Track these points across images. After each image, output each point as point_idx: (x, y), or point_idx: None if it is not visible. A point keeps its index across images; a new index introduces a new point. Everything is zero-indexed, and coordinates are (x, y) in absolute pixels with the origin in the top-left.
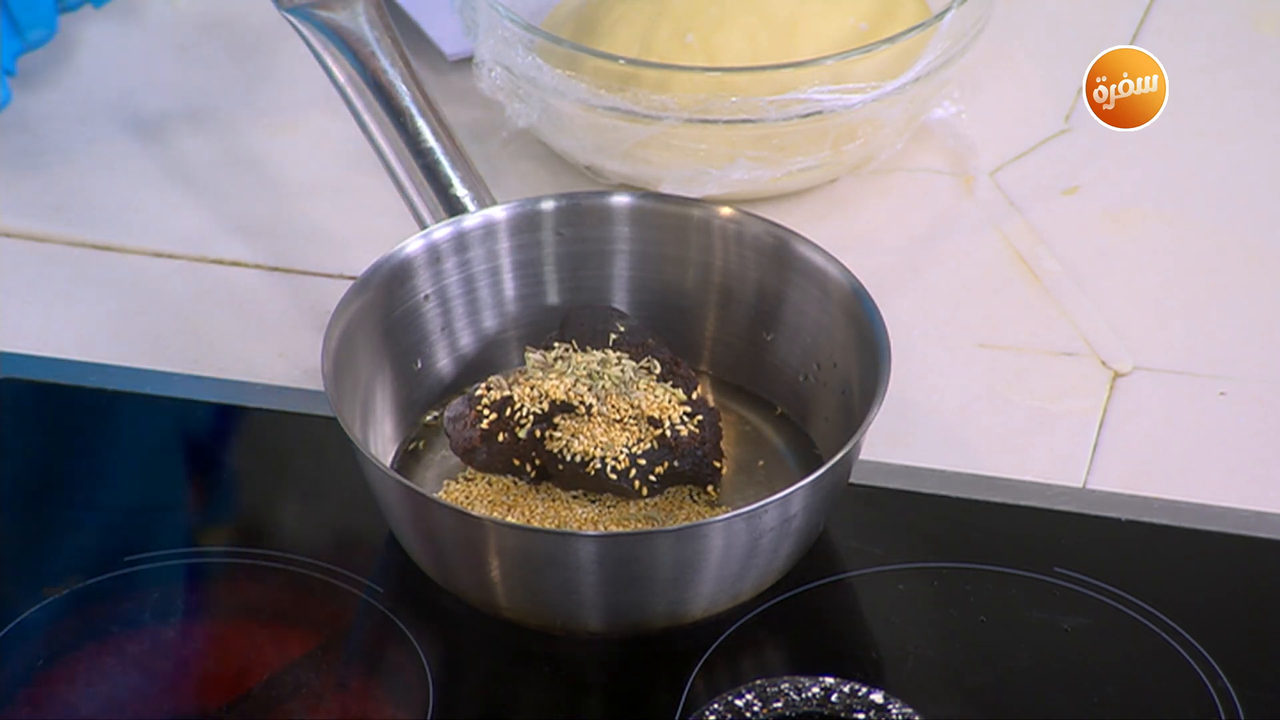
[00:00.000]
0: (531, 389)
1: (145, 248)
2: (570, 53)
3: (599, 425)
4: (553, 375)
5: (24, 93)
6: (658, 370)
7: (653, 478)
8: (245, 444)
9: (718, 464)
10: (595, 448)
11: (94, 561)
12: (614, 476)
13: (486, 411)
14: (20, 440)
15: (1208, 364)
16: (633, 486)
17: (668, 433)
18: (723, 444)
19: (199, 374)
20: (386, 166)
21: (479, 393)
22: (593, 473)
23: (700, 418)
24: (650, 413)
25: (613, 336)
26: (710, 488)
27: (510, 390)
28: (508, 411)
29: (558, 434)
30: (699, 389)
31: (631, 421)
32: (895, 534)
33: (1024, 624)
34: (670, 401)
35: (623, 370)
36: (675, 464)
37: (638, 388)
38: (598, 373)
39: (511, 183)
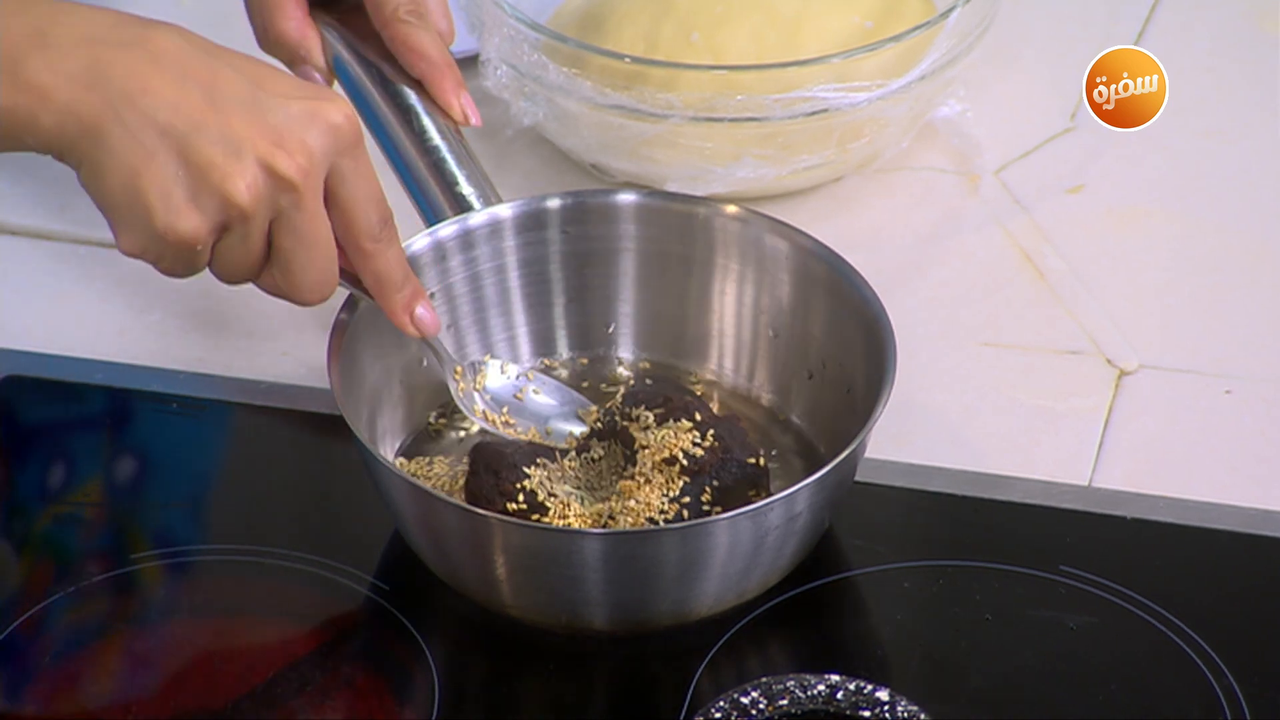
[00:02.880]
0: (559, 502)
1: None
2: (576, 51)
3: (630, 492)
4: (569, 501)
5: None
6: (651, 420)
7: (705, 506)
8: (251, 442)
9: (753, 460)
10: (641, 515)
11: (99, 559)
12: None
13: (520, 501)
14: (25, 437)
15: (1213, 363)
16: None
17: (684, 462)
18: None
19: (204, 372)
20: (392, 164)
21: (503, 482)
22: None
23: (713, 430)
24: (661, 457)
25: (593, 418)
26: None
27: (538, 492)
28: (534, 508)
29: (600, 518)
30: (702, 409)
31: (653, 472)
32: (900, 532)
33: (1029, 622)
34: (675, 436)
35: (609, 455)
36: (716, 483)
37: (646, 440)
38: (595, 482)
39: (517, 181)
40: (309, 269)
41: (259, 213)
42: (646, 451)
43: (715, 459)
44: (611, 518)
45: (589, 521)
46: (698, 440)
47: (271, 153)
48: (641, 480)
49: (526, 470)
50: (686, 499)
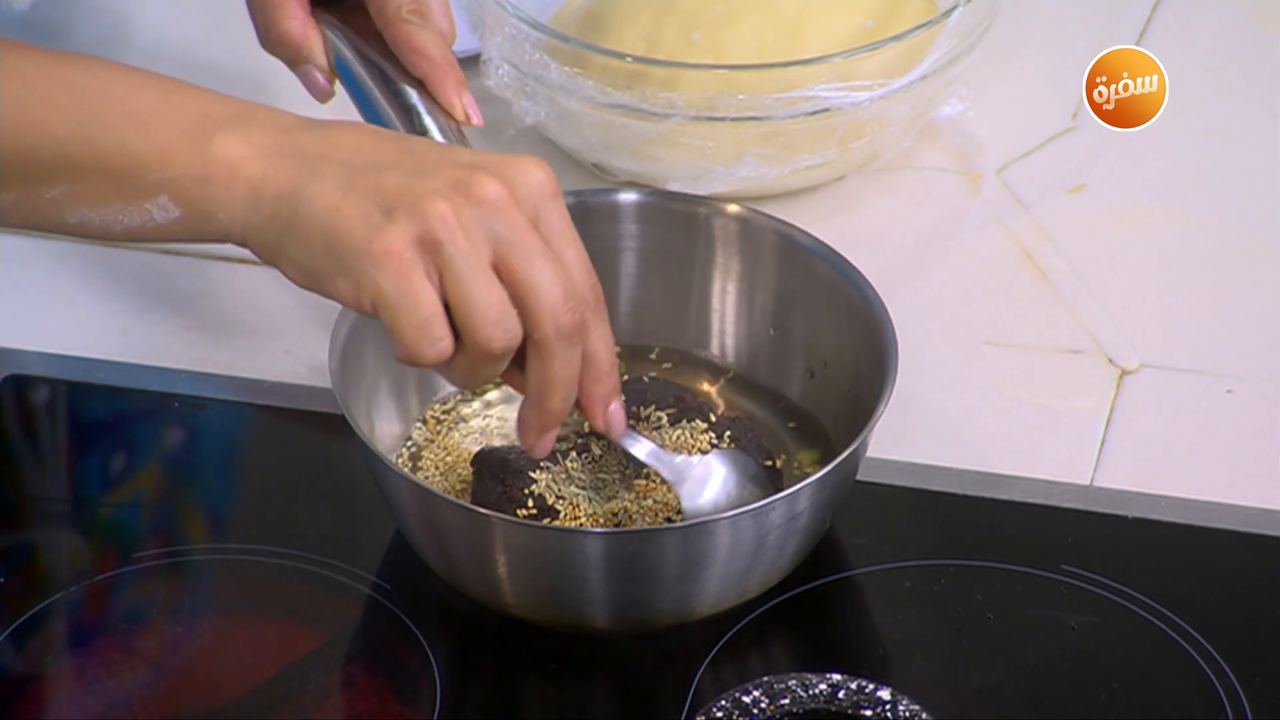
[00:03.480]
0: (568, 504)
1: (152, 245)
2: (578, 50)
3: (646, 491)
4: (578, 502)
5: None
6: (664, 421)
7: None
8: (252, 441)
9: (768, 463)
10: (660, 515)
11: (100, 558)
12: None
13: (530, 507)
14: (28, 437)
15: (1214, 362)
16: None
17: None
18: None
19: (206, 371)
20: None
21: (517, 488)
22: None
23: (729, 432)
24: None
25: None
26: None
27: (546, 495)
28: (544, 512)
29: (615, 517)
30: (716, 410)
31: None
32: (902, 531)
33: (1031, 621)
34: (691, 437)
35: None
36: None
37: (660, 440)
38: (599, 481)
39: None
40: (556, 285)
41: (465, 226)
42: (669, 450)
43: None
44: (629, 517)
45: (601, 521)
46: (714, 441)
47: (467, 180)
48: (658, 480)
49: (532, 475)
50: None
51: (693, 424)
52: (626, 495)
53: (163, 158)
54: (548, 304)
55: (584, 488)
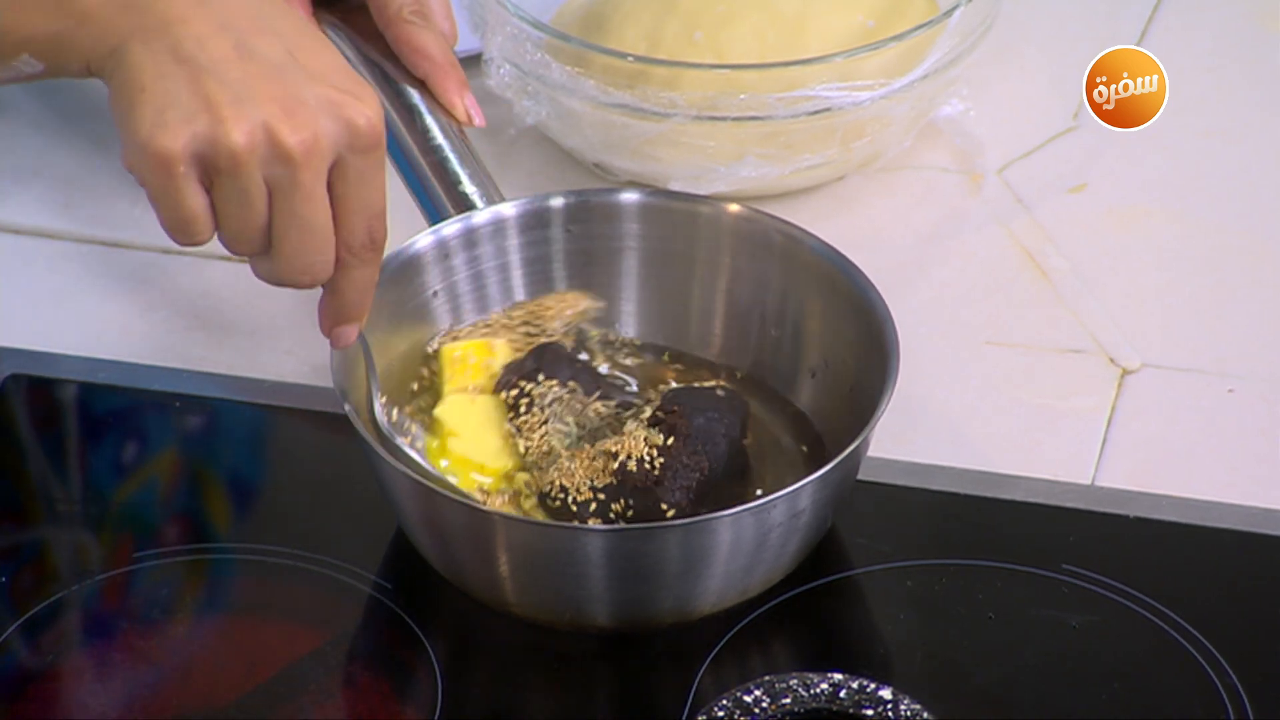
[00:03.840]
0: (532, 422)
1: (154, 244)
2: (579, 50)
3: (574, 454)
4: (537, 427)
5: (33, 91)
6: (645, 415)
7: (612, 515)
8: (254, 440)
9: (665, 508)
10: (557, 481)
11: (103, 557)
12: (575, 509)
13: (508, 397)
14: (29, 436)
15: (1215, 362)
16: (585, 522)
17: (615, 465)
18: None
19: (207, 370)
20: (395, 163)
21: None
22: (558, 504)
23: (664, 461)
24: (613, 447)
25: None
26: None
27: (525, 399)
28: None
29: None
30: (684, 439)
31: (599, 453)
32: (903, 530)
33: (1032, 621)
34: (636, 440)
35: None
36: (630, 503)
37: (617, 425)
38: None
39: (520, 179)
40: (299, 254)
41: (250, 167)
42: (614, 438)
43: (640, 483)
44: (536, 463)
45: (513, 458)
46: (647, 458)
47: (278, 119)
48: (584, 453)
49: (545, 383)
50: (602, 496)
51: (653, 433)
52: (571, 450)
53: (19, 17)
54: (287, 262)
55: (580, 425)
